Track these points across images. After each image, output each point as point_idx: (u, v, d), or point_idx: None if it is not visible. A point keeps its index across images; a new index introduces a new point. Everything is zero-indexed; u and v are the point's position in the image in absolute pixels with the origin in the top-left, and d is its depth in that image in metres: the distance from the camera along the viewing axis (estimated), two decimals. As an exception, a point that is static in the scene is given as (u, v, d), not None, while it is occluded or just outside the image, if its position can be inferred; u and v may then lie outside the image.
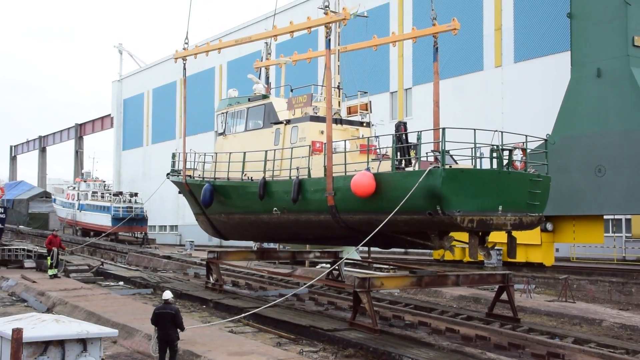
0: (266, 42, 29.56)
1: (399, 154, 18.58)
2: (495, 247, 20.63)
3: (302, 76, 44.26)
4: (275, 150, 22.29)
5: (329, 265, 25.90)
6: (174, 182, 28.26)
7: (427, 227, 17.08)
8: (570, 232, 30.18)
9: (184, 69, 27.81)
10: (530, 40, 38.27)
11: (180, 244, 64.32)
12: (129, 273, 31.83)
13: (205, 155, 27.40)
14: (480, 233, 17.75)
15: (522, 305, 21.81)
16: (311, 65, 49.86)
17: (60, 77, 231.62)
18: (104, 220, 59.72)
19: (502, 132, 17.08)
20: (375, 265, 32.15)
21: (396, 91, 46.46)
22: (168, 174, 28.96)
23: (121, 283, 28.96)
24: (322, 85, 21.83)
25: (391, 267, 30.37)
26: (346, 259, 29.05)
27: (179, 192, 28.40)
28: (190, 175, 26.99)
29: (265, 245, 35.50)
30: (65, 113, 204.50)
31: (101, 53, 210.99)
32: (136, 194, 62.89)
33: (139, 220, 60.09)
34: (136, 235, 62.25)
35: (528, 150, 18.39)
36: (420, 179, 16.11)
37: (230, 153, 24.24)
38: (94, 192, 65.22)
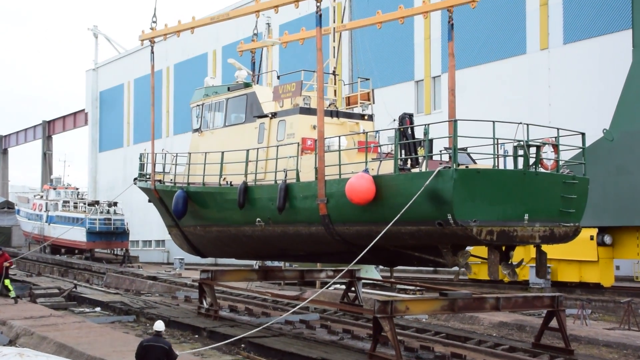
0: (268, 23, 29.62)
1: (403, 152, 18.48)
2: (523, 263, 20.38)
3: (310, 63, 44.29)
4: (258, 149, 22.19)
5: (344, 287, 25.83)
6: (142, 189, 28.21)
7: (437, 241, 16.93)
8: (634, 246, 29.99)
9: (152, 52, 27.76)
10: (582, 17, 38.12)
11: (168, 262, 64.47)
12: (107, 297, 31.91)
13: (177, 155, 27.17)
14: (503, 247, 17.63)
15: (576, 333, 21.67)
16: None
17: (22, 67, 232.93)
18: (77, 234, 59.94)
19: (527, 124, 16.84)
20: (399, 286, 32.08)
21: (422, 80, 46.41)
22: (135, 179, 28.90)
23: (98, 309, 29.04)
24: (313, 71, 21.82)
25: (418, 288, 30.28)
26: (365, 278, 29.00)
27: (149, 201, 28.41)
28: (160, 180, 26.89)
29: (268, 263, 35.52)
30: (30, 109, 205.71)
31: (72, 37, 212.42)
32: (115, 204, 63.11)
33: (118, 234, 60.30)
34: (116, 253, 62.45)
35: (567, 148, 18.15)
36: (427, 182, 15.96)
37: (206, 153, 24.16)
38: (65, 202, 65.53)
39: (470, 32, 42.23)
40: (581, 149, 18.76)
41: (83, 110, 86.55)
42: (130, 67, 76.09)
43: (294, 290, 33.11)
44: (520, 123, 16.79)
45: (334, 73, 23.77)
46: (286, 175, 20.60)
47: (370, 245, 17.02)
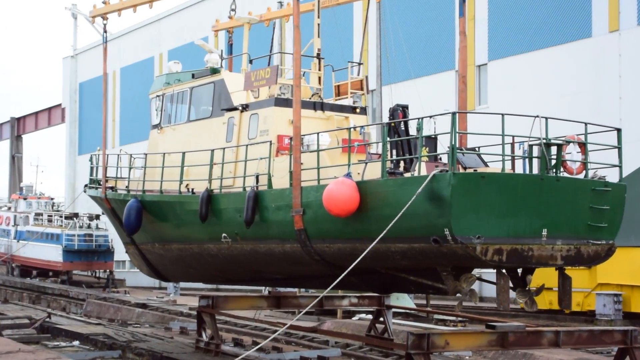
0: (280, 2, 29.75)
1: (394, 152, 18.38)
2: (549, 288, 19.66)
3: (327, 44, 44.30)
4: (224, 149, 21.95)
5: (370, 316, 25.81)
6: (92, 198, 28.14)
7: (433, 261, 16.69)
8: None
9: (105, 31, 27.64)
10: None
11: (160, 286, 64.66)
12: (88, 329, 32.03)
13: (132, 157, 27.04)
14: (521, 270, 17.45)
15: (652, 375, 21.51)
16: (346, 34, 49.72)
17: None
18: (52, 253, 60.22)
19: (546, 117, 16.51)
20: (436, 316, 31.99)
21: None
22: (86, 186, 28.76)
23: (76, 343, 29.16)
24: (292, 54, 21.87)
25: (460, 319, 30.18)
26: (396, 307, 28.96)
27: (102, 213, 28.49)
28: (113, 188, 26.79)
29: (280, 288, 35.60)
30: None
31: (46, 18, 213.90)
32: (98, 217, 63.30)
33: (101, 253, 60.43)
34: (98, 275, 62.64)
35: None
36: (420, 189, 15.68)
37: (164, 154, 24.09)
38: (37, 214, 65.81)
39: (522, 13, 42.19)
40: (617, 149, 18.07)
41: (59, 105, 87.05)
42: (116, 53, 76.45)
43: (311, 320, 33.14)
44: (537, 116, 16.43)
45: (318, 56, 23.54)
46: (257, 181, 20.47)
47: (350, 267, 16.69)
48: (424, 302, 36.34)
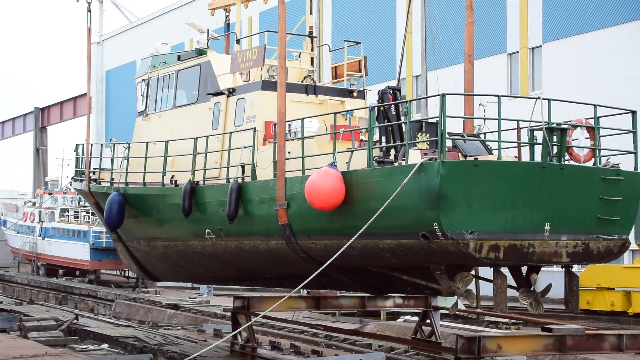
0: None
1: (383, 139, 18.14)
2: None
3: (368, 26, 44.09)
4: (208, 137, 21.71)
5: (416, 318, 25.73)
6: (77, 191, 28.28)
7: (424, 259, 16.50)
8: None
9: (89, 11, 27.56)
10: None
11: (192, 286, 64.93)
12: (117, 331, 32.28)
13: (114, 145, 27.02)
14: (524, 268, 17.22)
15: None
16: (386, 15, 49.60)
17: (6, 41, 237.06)
18: (79, 251, 60.66)
19: (548, 99, 16.21)
20: (487, 317, 31.85)
21: (517, 52, 46.04)
22: (72, 178, 29.07)
23: (105, 346, 29.40)
24: (291, 34, 21.36)
25: (513, 321, 30.03)
26: (443, 308, 28.88)
27: (86, 205, 28.74)
28: (96, 180, 26.79)
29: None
30: (18, 93, 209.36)
31: (70, 2, 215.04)
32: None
33: (130, 251, 60.82)
34: (127, 274, 63.02)
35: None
36: (406, 179, 15.47)
37: (147, 143, 23.98)
38: (63, 210, 66.32)
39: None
40: (632, 133, 17.53)
41: (84, 94, 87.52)
42: (144, 39, 76.92)
43: (353, 322, 33.15)
44: (538, 98, 16.21)
45: (310, 35, 23.37)
46: (243, 172, 20.31)
47: (329, 262, 16.61)
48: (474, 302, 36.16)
